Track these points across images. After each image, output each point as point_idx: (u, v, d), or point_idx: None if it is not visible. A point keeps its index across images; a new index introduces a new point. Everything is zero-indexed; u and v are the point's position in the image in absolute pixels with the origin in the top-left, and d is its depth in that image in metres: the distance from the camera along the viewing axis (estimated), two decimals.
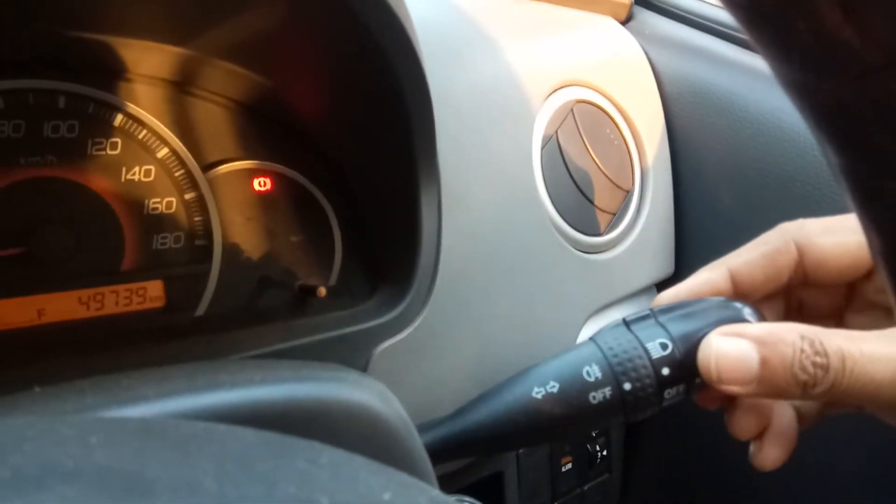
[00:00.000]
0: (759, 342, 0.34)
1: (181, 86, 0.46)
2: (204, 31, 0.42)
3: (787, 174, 0.61)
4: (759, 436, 0.41)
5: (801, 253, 0.41)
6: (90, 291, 0.43)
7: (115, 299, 0.44)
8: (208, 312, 0.46)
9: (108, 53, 0.42)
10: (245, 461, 0.18)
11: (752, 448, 0.41)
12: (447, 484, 0.51)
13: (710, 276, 0.42)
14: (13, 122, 0.41)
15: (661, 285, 0.69)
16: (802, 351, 0.33)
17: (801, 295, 0.44)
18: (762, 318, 0.38)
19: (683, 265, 0.70)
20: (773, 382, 0.34)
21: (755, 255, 0.41)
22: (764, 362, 0.34)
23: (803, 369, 0.33)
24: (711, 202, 0.68)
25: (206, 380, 0.26)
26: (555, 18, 0.66)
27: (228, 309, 0.46)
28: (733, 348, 0.35)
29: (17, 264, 0.40)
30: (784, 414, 0.41)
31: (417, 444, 0.31)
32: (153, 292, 0.45)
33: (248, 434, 0.21)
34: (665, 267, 0.68)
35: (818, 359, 0.33)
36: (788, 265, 0.41)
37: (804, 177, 0.60)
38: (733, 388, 0.35)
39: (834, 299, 0.43)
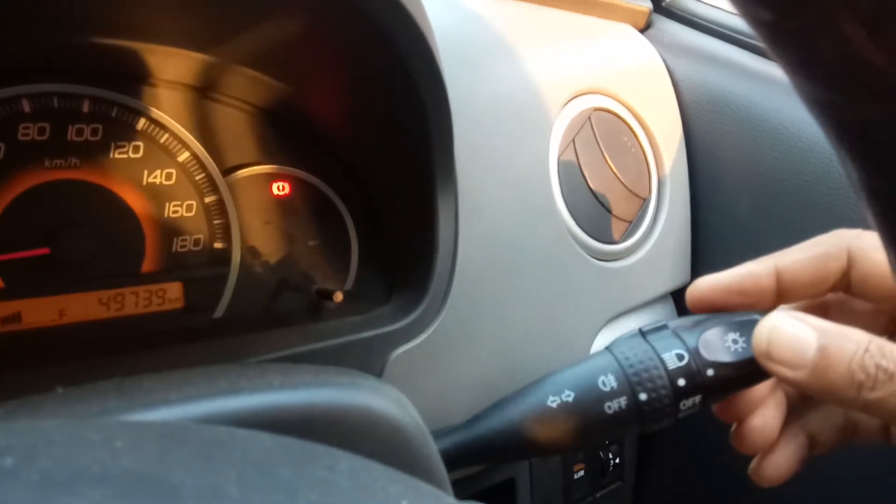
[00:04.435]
0: (822, 331, 0.33)
1: (203, 91, 0.47)
2: (227, 39, 0.42)
3: (805, 184, 0.60)
4: (765, 453, 0.40)
5: (851, 262, 0.39)
6: (111, 292, 0.43)
7: (135, 300, 0.44)
8: (226, 315, 0.46)
9: (132, 59, 0.43)
10: (267, 467, 0.18)
11: (755, 461, 0.41)
12: (459, 489, 0.52)
13: (754, 268, 0.40)
14: (38, 125, 0.42)
15: (677, 294, 0.69)
16: (867, 350, 0.32)
17: (838, 318, 0.43)
18: None
19: (700, 274, 0.69)
20: (827, 375, 0.32)
21: (806, 255, 0.40)
22: (823, 351, 0.32)
23: (863, 368, 0.32)
24: (729, 211, 0.68)
25: (226, 384, 0.26)
26: (573, 26, 0.66)
27: (246, 312, 0.47)
28: (792, 328, 0.34)
29: (41, 265, 0.41)
30: (795, 436, 0.40)
31: (433, 451, 0.32)
32: (172, 294, 0.45)
33: (269, 440, 0.22)
34: (681, 275, 0.68)
35: (883, 362, 0.32)
36: (836, 271, 0.40)
37: (823, 187, 0.59)
38: (781, 370, 0.34)
39: (873, 326, 0.41)
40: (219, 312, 0.46)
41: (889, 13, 0.16)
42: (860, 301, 0.41)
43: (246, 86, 0.46)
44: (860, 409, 0.33)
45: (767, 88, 0.64)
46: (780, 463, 0.40)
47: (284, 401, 0.27)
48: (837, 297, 0.42)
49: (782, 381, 0.36)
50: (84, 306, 0.42)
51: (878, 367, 0.32)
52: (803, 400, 0.42)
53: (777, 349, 0.34)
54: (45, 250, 0.41)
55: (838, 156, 0.21)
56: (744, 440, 0.40)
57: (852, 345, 0.32)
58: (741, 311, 0.39)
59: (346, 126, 0.49)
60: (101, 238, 0.43)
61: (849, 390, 0.32)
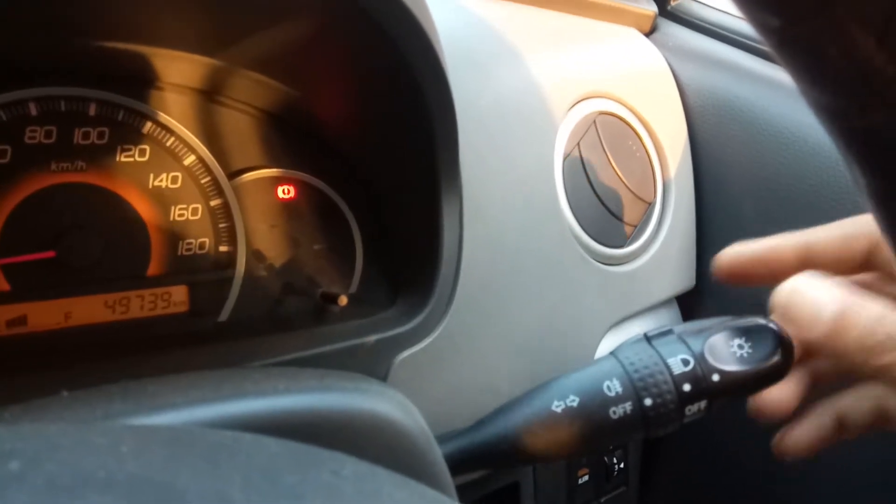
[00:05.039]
0: (841, 296, 0.34)
1: (209, 94, 0.47)
2: (233, 43, 0.42)
3: (810, 188, 0.60)
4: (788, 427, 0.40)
5: (875, 245, 0.40)
6: (116, 295, 0.43)
7: (141, 303, 0.44)
8: (231, 318, 0.46)
9: (138, 63, 0.43)
10: (272, 472, 0.18)
11: (779, 433, 0.41)
12: (463, 494, 0.51)
13: (780, 241, 0.41)
14: (45, 129, 0.42)
15: (682, 298, 0.69)
16: (881, 318, 0.33)
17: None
18: (789, 336, 0.38)
19: (705, 278, 0.69)
20: (841, 338, 0.33)
21: (832, 234, 0.41)
22: (839, 314, 0.33)
23: (874, 335, 0.32)
24: (734, 215, 0.68)
25: (231, 388, 0.26)
26: (579, 30, 0.66)
27: (251, 315, 0.47)
28: (813, 290, 0.34)
29: (46, 268, 0.41)
30: (821, 416, 0.40)
31: (438, 456, 0.32)
32: (177, 297, 0.45)
33: (274, 444, 0.21)
34: (686, 279, 0.68)
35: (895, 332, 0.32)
36: (861, 252, 0.40)
37: (828, 191, 0.59)
38: (796, 328, 0.35)
39: None
40: (224, 316, 0.46)
41: None
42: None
43: (252, 89, 0.46)
44: (870, 373, 0.34)
45: (773, 92, 0.64)
46: (800, 438, 0.40)
47: (290, 405, 0.27)
48: (873, 278, 0.42)
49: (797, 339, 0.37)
50: (89, 309, 0.43)
51: (888, 335, 0.32)
52: (835, 380, 0.43)
53: (794, 308, 0.35)
54: (50, 253, 0.41)
55: (845, 161, 0.21)
56: (759, 407, 0.40)
57: (868, 312, 0.33)
58: (764, 284, 0.40)
59: (352, 129, 0.50)
60: (106, 241, 0.43)
61: (860, 354, 0.33)
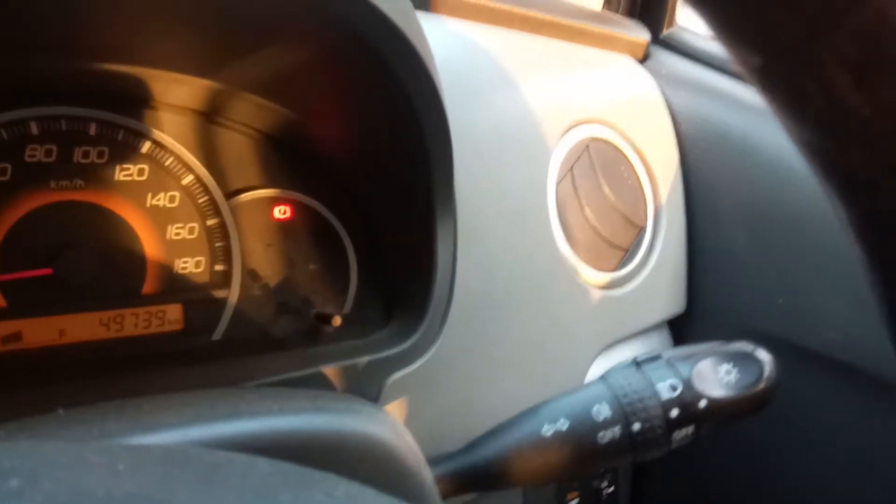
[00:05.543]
0: None
1: (209, 115, 0.47)
2: (228, 66, 0.43)
3: (800, 216, 0.61)
4: None
5: None
6: (111, 313, 0.44)
7: (135, 321, 0.45)
8: (225, 337, 0.47)
9: (138, 84, 0.44)
10: (266, 493, 0.19)
11: None
12: None
13: None
14: (45, 147, 0.43)
15: (673, 322, 0.69)
16: None
17: None
18: (775, 362, 0.39)
19: (695, 303, 0.70)
20: None
21: None
22: None
23: None
24: (724, 241, 0.68)
25: (226, 408, 0.27)
26: (573, 56, 0.68)
27: (245, 334, 0.47)
28: None
29: (43, 285, 0.42)
30: None
31: (428, 479, 0.32)
32: (172, 315, 0.46)
33: (268, 465, 0.22)
34: (676, 304, 0.68)
35: None
36: None
37: (817, 219, 0.60)
38: None
39: None
40: (218, 335, 0.47)
41: (874, 64, 0.17)
42: None
43: (252, 112, 0.47)
44: None
45: (763, 121, 0.65)
46: None
47: (283, 426, 0.27)
48: None
49: None
50: (84, 327, 0.43)
51: None
52: None
53: None
54: (48, 271, 0.41)
55: (827, 195, 0.22)
56: None
57: None
58: None
59: (349, 151, 0.50)
60: (103, 259, 0.44)
61: None
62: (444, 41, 0.56)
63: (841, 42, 0.16)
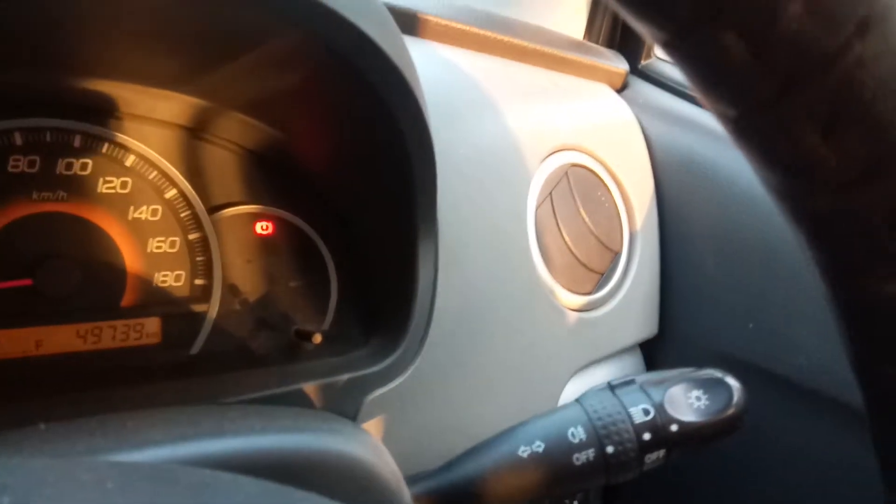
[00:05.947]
0: None
1: (193, 131, 0.48)
2: (216, 83, 0.43)
3: (769, 244, 0.63)
4: None
5: None
6: (88, 325, 0.44)
7: (113, 334, 0.44)
8: (203, 351, 0.47)
9: (123, 99, 0.44)
10: None
11: None
12: None
13: None
14: (28, 158, 0.42)
15: (645, 345, 0.71)
16: None
17: None
18: (744, 389, 0.40)
19: (667, 327, 0.71)
20: None
21: None
22: None
23: None
24: (696, 267, 0.70)
25: (210, 426, 0.27)
26: (554, 84, 0.69)
27: (223, 349, 0.47)
28: None
29: (22, 296, 0.41)
30: None
31: (407, 497, 0.32)
32: (150, 329, 0.46)
33: (251, 484, 0.22)
34: (649, 327, 0.70)
35: None
36: None
37: (786, 249, 0.62)
38: None
39: None
40: (196, 349, 0.47)
41: (843, 120, 0.18)
42: None
43: (237, 129, 0.48)
44: None
45: (734, 153, 0.67)
46: None
47: (266, 445, 0.27)
48: None
49: None
50: (61, 338, 0.43)
51: None
52: None
53: None
54: (27, 281, 0.41)
55: (796, 237, 0.23)
56: None
57: None
58: None
59: (333, 171, 0.51)
60: (83, 271, 0.43)
61: None
62: (430, 65, 0.57)
63: (812, 98, 0.18)
